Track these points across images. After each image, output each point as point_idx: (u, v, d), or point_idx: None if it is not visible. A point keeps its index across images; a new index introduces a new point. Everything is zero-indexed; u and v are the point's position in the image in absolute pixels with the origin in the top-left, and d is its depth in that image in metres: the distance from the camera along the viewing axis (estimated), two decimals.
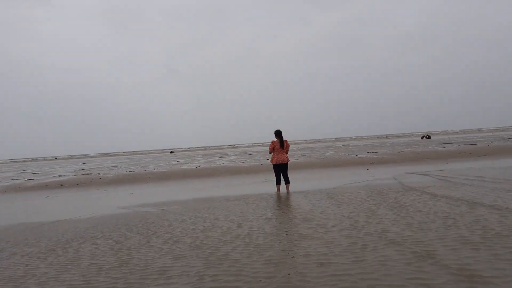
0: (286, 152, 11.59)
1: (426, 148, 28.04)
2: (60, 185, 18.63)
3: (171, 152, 79.73)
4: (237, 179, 17.34)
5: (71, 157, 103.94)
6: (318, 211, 6.99)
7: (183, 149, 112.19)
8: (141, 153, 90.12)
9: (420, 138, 57.09)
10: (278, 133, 11.49)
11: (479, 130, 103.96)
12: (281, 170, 11.49)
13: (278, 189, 11.39)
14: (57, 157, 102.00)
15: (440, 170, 13.17)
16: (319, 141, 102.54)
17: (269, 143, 11.82)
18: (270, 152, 11.67)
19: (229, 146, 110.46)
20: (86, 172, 25.52)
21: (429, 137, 55.13)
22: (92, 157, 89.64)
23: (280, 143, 11.44)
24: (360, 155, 25.80)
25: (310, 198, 8.88)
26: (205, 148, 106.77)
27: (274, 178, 11.76)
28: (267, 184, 14.31)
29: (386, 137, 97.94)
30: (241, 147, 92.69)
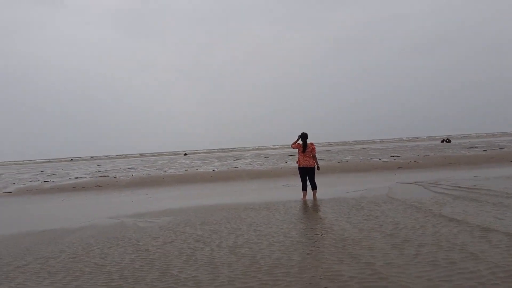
0: (312, 156, 10.91)
1: (452, 153, 27.02)
2: (77, 188, 18.23)
3: (185, 154, 79.54)
4: (257, 183, 16.72)
5: (86, 158, 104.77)
6: (358, 227, 6.31)
7: (196, 151, 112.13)
8: (155, 155, 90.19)
9: (439, 142, 55.72)
10: (303, 137, 10.82)
11: (504, 134, 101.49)
12: (307, 174, 10.83)
13: (305, 195, 10.71)
14: (73, 159, 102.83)
15: (475, 176, 12.35)
16: (336, 144, 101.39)
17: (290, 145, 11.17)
18: (293, 147, 11.01)
19: (243, 149, 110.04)
20: (103, 174, 25.17)
21: (449, 141, 53.76)
22: (106, 158, 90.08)
23: (303, 147, 10.78)
24: (383, 159, 24.95)
25: (342, 209, 8.20)
26: (218, 150, 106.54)
27: (298, 183, 11.13)
28: (290, 189, 13.65)
29: (403, 140, 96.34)
30: (255, 149, 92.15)
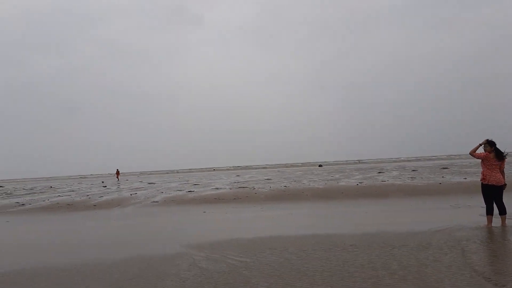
0: (501, 171, 8.30)
1: None
2: (218, 199, 17.98)
3: (320, 165, 77.90)
4: (415, 201, 14.06)
5: (226, 168, 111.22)
6: None
7: (331, 163, 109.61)
8: (291, 166, 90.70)
9: None
10: (493, 144, 8.34)
11: None
12: (495, 194, 8.29)
13: (490, 221, 8.23)
14: (215, 169, 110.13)
15: None
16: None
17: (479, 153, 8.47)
18: (476, 155, 8.39)
19: (381, 160, 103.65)
20: (241, 186, 25.01)
21: None
22: (243, 169, 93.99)
23: (497, 157, 8.24)
24: None
25: None
26: (354, 162, 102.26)
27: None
28: (461, 211, 10.93)
29: None
30: (395, 161, 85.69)
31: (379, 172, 32.93)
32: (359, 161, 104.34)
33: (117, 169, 54.35)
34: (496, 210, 8.20)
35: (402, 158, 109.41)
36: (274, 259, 6.16)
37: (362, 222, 9.90)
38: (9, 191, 35.56)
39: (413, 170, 33.10)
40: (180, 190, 24.09)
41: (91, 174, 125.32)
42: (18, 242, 9.79)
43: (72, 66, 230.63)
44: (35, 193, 30.57)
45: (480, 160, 8.29)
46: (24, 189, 39.27)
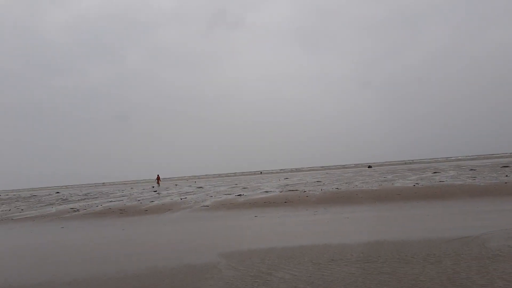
0: None
1: None
2: (268, 203, 17.59)
3: (369, 166, 75.78)
4: (481, 203, 12.91)
5: (273, 171, 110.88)
6: None
7: (380, 163, 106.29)
8: (339, 168, 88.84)
9: None
10: None
11: None
12: None
13: None
14: (262, 172, 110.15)
15: None
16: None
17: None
18: None
19: (434, 160, 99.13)
20: (291, 188, 24.51)
21: None
22: (290, 171, 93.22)
23: None
24: None
25: None
26: (405, 162, 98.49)
27: None
28: None
29: None
30: (448, 160, 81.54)
31: (435, 172, 31.21)
32: (407, 162, 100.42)
33: (158, 175, 55.84)
34: None
35: (456, 157, 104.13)
36: (324, 275, 5.65)
37: (426, 227, 9.12)
38: (64, 197, 37.20)
39: (471, 169, 31.08)
40: (230, 194, 23.96)
41: (142, 180, 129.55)
42: (69, 249, 9.92)
43: (125, 73, 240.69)
44: (88, 198, 31.72)
45: None
46: (78, 194, 40.98)
